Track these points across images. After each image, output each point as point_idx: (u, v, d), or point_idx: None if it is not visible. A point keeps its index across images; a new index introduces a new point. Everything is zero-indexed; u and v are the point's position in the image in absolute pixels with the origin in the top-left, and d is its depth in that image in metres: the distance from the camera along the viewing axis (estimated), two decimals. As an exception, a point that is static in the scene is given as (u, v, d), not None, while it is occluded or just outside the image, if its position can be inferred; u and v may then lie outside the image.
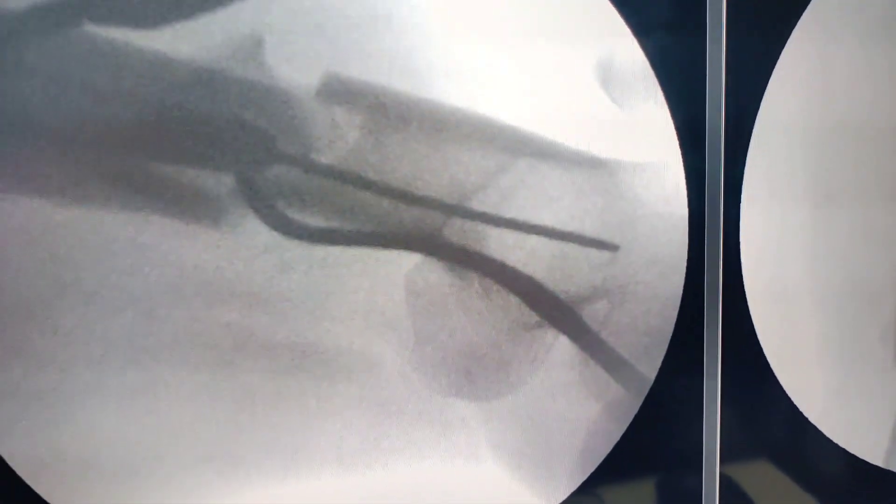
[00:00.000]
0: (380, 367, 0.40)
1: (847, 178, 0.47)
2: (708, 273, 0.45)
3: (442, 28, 0.37)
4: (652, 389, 0.46)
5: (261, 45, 0.35)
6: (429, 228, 0.39)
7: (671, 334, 0.45)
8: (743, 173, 0.45)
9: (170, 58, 0.34)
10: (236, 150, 0.36)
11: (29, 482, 0.38)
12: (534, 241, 0.41)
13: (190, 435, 0.39)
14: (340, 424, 0.40)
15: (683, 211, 0.43)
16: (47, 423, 0.37)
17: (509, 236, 0.41)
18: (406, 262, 0.39)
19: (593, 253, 0.42)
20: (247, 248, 0.37)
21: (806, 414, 0.50)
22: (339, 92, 0.36)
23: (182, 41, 0.34)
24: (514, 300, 0.42)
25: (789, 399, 0.50)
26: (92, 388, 0.37)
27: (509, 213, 0.40)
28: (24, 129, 0.34)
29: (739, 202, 0.45)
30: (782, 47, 0.44)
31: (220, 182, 0.36)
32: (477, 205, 0.40)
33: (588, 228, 0.42)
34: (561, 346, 0.43)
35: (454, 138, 0.38)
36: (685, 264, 0.44)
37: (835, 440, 0.51)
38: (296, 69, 0.35)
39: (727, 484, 0.49)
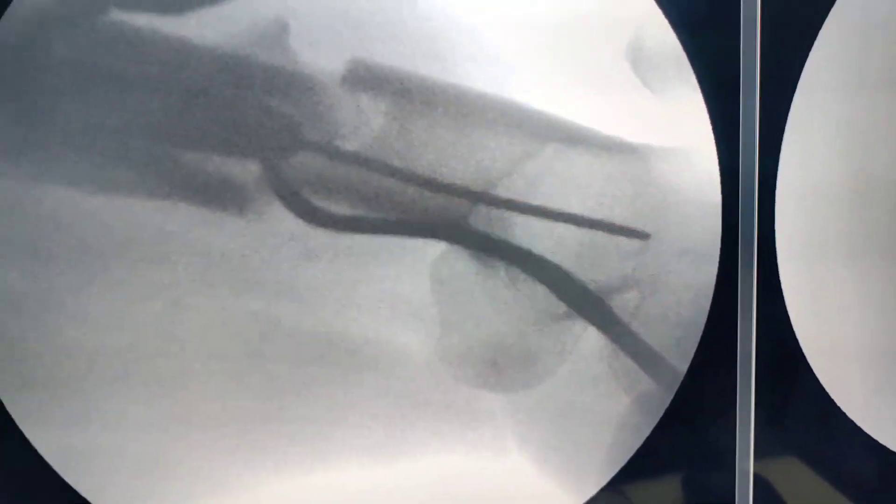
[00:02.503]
0: (406, 357, 0.40)
1: (887, 164, 0.46)
2: (742, 262, 0.44)
3: (467, 11, 0.37)
4: (683, 383, 0.45)
5: (286, 30, 0.35)
6: (454, 216, 0.39)
7: (703, 326, 0.44)
8: (778, 160, 0.43)
9: (195, 44, 0.34)
10: (262, 137, 0.36)
11: (59, 470, 0.38)
12: (561, 228, 0.40)
13: (217, 425, 0.39)
14: (367, 415, 0.40)
15: (717, 198, 0.42)
16: (77, 412, 0.37)
17: (536, 224, 0.40)
18: (431, 251, 0.39)
19: (623, 241, 0.41)
20: (272, 236, 0.37)
21: (845, 410, 0.49)
22: (364, 78, 0.36)
23: (207, 27, 0.34)
24: (541, 289, 0.41)
25: (827, 394, 0.48)
26: (120, 377, 0.37)
27: (536, 200, 0.40)
28: (53, 118, 0.34)
29: (775, 190, 0.44)
30: (819, 28, 0.43)
31: (246, 169, 0.36)
32: (503, 192, 0.39)
33: (618, 216, 0.41)
34: (589, 338, 0.42)
35: (480, 124, 0.38)
36: (718, 253, 0.43)
37: (876, 437, 0.50)
38: (321, 55, 0.35)
39: (760, 483, 0.48)
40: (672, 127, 0.41)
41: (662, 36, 0.40)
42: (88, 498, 0.39)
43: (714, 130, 0.42)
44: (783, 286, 0.45)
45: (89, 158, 0.35)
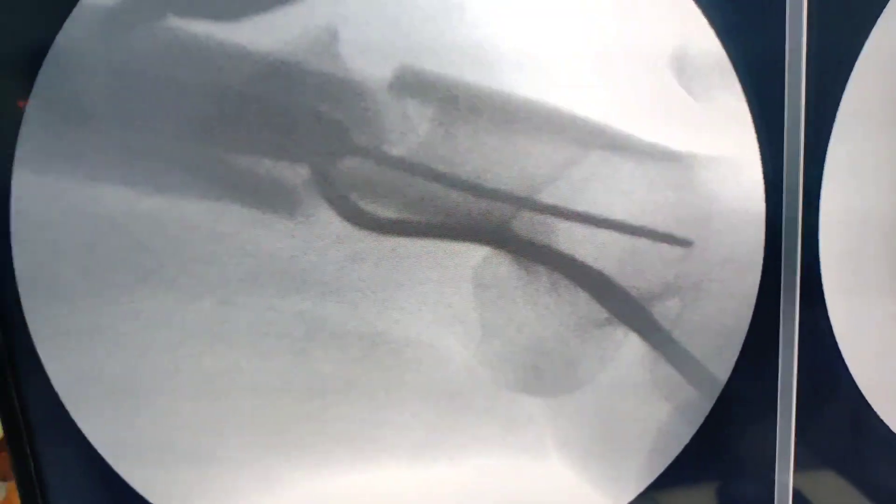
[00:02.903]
0: (447, 360, 0.40)
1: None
2: (785, 272, 0.44)
3: (514, 19, 0.37)
4: (724, 391, 0.44)
5: (336, 37, 0.36)
6: (498, 221, 0.39)
7: (745, 335, 0.44)
8: (823, 169, 0.43)
9: (249, 51, 0.35)
10: (312, 141, 0.37)
11: (110, 461, 0.39)
12: (604, 235, 0.40)
13: (262, 422, 0.40)
14: (408, 415, 0.41)
15: (760, 207, 0.42)
16: (128, 406, 0.38)
17: (579, 230, 0.40)
18: (474, 255, 0.39)
19: (666, 248, 0.41)
20: (320, 237, 0.38)
21: (888, 423, 0.48)
22: (411, 84, 0.37)
23: (261, 34, 0.35)
24: (583, 295, 0.41)
25: (869, 406, 0.48)
26: (170, 373, 0.38)
27: (580, 206, 0.40)
28: (111, 121, 0.35)
29: (819, 199, 0.43)
30: (866, 37, 0.42)
31: (296, 173, 0.37)
32: (547, 198, 0.39)
33: (661, 223, 0.41)
34: (631, 344, 0.42)
35: (525, 130, 0.38)
36: (761, 263, 0.43)
37: (919, 451, 0.49)
38: (370, 62, 0.36)
39: (798, 495, 0.47)
40: (716, 135, 0.40)
41: (707, 45, 0.39)
42: (138, 489, 0.40)
43: (758, 139, 0.41)
44: (826, 296, 0.45)
45: (145, 162, 0.36)
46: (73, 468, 0.39)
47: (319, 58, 0.36)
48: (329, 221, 0.38)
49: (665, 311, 0.42)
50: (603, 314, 0.42)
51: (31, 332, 0.37)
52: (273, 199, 0.37)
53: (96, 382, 0.38)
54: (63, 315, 0.37)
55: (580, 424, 0.43)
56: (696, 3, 0.39)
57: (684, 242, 0.41)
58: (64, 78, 0.35)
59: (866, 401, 0.47)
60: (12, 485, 0.38)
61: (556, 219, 0.40)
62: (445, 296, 0.40)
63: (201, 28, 0.35)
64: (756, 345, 0.44)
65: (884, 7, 0.42)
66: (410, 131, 0.37)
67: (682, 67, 0.39)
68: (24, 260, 0.36)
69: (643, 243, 0.41)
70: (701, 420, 0.44)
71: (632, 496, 0.45)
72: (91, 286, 0.37)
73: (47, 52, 0.34)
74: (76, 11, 0.34)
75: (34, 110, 0.35)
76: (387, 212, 0.38)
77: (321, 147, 0.37)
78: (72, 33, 0.34)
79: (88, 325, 0.37)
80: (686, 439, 0.45)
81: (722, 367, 0.44)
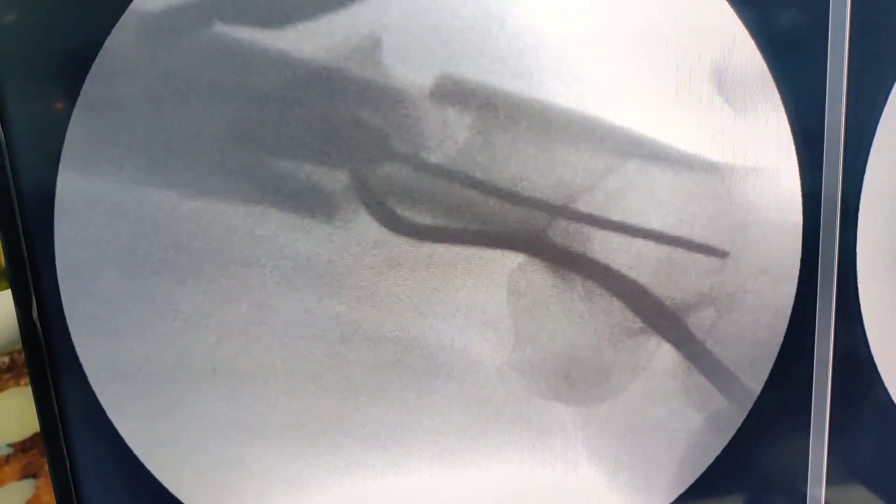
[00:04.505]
0: (479, 366, 0.41)
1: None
2: (821, 284, 0.43)
3: (554, 29, 0.37)
4: (756, 403, 0.44)
5: (378, 45, 0.36)
6: (533, 229, 0.39)
7: (780, 347, 0.43)
8: (862, 182, 0.43)
9: (292, 57, 0.36)
10: (351, 147, 0.37)
11: (143, 459, 0.40)
12: (640, 244, 0.40)
13: (295, 425, 0.40)
14: (439, 421, 0.41)
15: (797, 219, 0.42)
16: (163, 405, 0.39)
17: (614, 239, 0.40)
18: (509, 262, 0.40)
19: (701, 259, 0.41)
20: (357, 242, 0.38)
21: (923, 439, 0.48)
22: (451, 92, 0.37)
23: (304, 41, 0.35)
24: (617, 304, 0.41)
25: (905, 422, 0.47)
26: (206, 373, 0.39)
27: (616, 215, 0.40)
28: (155, 125, 0.36)
29: (857, 212, 0.43)
30: (911, 49, 0.42)
31: (335, 178, 0.37)
32: (583, 206, 0.39)
33: (697, 233, 0.41)
34: (664, 354, 0.42)
35: (563, 139, 0.38)
36: (797, 274, 0.43)
37: (955, 469, 0.48)
38: (411, 69, 0.36)
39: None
40: (755, 147, 0.40)
41: (749, 57, 0.39)
42: (170, 488, 0.40)
43: (797, 150, 0.41)
44: (863, 309, 0.44)
45: (188, 165, 0.36)
46: (107, 466, 0.40)
47: (361, 65, 0.36)
48: (367, 227, 0.38)
49: (699, 322, 0.42)
50: (637, 323, 0.41)
51: (71, 330, 0.38)
52: (312, 204, 0.37)
53: (133, 381, 0.38)
54: (102, 314, 0.38)
55: (611, 433, 0.43)
56: (738, 16, 0.39)
57: (720, 253, 0.41)
58: (110, 82, 0.35)
59: (901, 416, 0.47)
60: (41, 482, 0.39)
61: (591, 227, 0.40)
62: (479, 302, 0.40)
63: (245, 34, 0.35)
64: (790, 357, 0.44)
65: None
66: (449, 138, 0.37)
67: (723, 79, 0.39)
68: (66, 259, 0.37)
69: (679, 253, 0.41)
70: (733, 431, 0.44)
71: (662, 506, 0.45)
72: (131, 286, 0.37)
73: (95, 56, 0.35)
74: (125, 17, 0.35)
75: (81, 113, 0.35)
76: (424, 218, 0.38)
77: (360, 153, 0.37)
78: (120, 39, 0.35)
79: (127, 325, 0.38)
80: (717, 450, 0.44)
81: (755, 379, 0.44)
